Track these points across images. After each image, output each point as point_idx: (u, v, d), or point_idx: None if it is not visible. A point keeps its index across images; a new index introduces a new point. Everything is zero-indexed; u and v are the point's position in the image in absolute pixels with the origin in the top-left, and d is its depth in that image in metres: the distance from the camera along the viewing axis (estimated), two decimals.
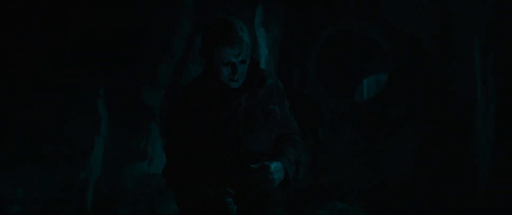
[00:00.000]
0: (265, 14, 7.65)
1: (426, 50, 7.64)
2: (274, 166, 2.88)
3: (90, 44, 6.98)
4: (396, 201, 7.37)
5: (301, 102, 7.71)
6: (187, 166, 2.94)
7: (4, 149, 6.74)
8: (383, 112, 7.75)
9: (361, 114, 7.83)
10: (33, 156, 6.79)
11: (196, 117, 2.92)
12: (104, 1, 7.07)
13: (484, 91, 7.21)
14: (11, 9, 6.81)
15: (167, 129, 3.10)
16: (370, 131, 7.74)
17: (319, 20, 7.89)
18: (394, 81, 7.79)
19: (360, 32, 8.00)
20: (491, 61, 7.20)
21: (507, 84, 7.14)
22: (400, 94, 7.72)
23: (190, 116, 2.93)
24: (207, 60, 2.92)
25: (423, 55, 7.65)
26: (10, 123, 6.81)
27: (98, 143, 7.01)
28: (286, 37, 7.87)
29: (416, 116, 7.61)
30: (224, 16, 2.98)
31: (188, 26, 7.32)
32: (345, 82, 8.88)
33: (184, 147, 2.94)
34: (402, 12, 7.69)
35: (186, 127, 2.93)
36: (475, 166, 7.24)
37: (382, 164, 7.62)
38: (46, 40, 6.87)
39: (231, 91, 2.92)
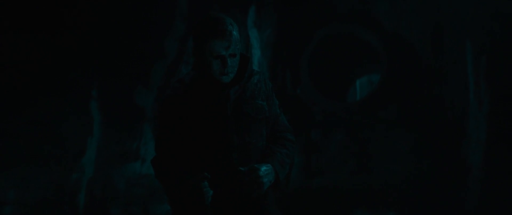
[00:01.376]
0: (257, 14, 7.66)
1: (418, 52, 7.65)
2: (264, 169, 2.88)
3: (83, 45, 6.97)
4: (388, 202, 7.37)
5: (293, 104, 7.72)
6: (175, 159, 2.95)
7: None
8: (375, 113, 7.76)
9: (353, 116, 7.83)
10: (25, 157, 6.77)
11: (185, 112, 2.93)
12: (97, 2, 7.06)
13: (476, 94, 7.23)
14: (4, 11, 6.80)
15: (157, 125, 3.12)
16: (362, 132, 7.74)
17: (311, 22, 7.90)
18: (386, 84, 7.81)
19: (352, 34, 8.01)
20: (483, 64, 7.22)
21: (499, 87, 7.16)
22: (392, 97, 7.73)
23: (180, 111, 2.94)
24: (197, 56, 2.94)
25: (415, 58, 7.66)
26: (2, 124, 6.79)
27: (91, 144, 7.00)
28: (278, 38, 7.88)
29: (408, 118, 7.62)
30: (213, 12, 3.02)
31: (181, 28, 7.33)
32: (338, 84, 8.90)
33: (173, 142, 2.96)
34: (394, 15, 7.71)
35: (175, 122, 2.95)
36: (467, 167, 7.26)
37: (374, 165, 7.63)
38: (40, 41, 6.86)
39: (220, 86, 2.94)
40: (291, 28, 7.89)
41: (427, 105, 7.55)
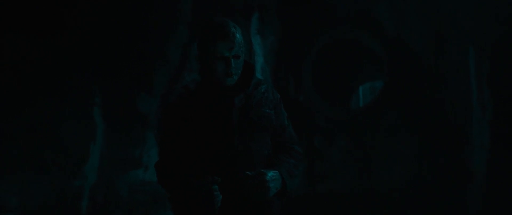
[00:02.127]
0: (260, 22, 7.65)
1: (420, 56, 7.64)
2: (271, 174, 2.87)
3: (86, 50, 6.96)
4: (391, 208, 7.36)
5: (296, 110, 7.71)
6: (179, 163, 2.94)
7: None
8: (378, 119, 7.75)
9: (356, 121, 7.82)
10: (28, 163, 6.75)
11: (190, 117, 2.93)
12: (100, 7, 7.04)
13: (480, 99, 7.23)
14: (5, 13, 6.78)
15: (161, 129, 3.12)
16: (365, 137, 7.74)
17: (314, 28, 7.89)
18: (389, 89, 7.80)
19: (355, 40, 8.00)
20: (486, 68, 7.22)
21: (502, 92, 7.16)
22: (394, 102, 7.73)
23: (184, 116, 2.94)
24: (201, 60, 2.95)
25: (416, 61, 7.65)
26: (3, 129, 6.77)
27: (94, 150, 6.98)
28: (281, 45, 7.87)
29: (411, 123, 7.61)
30: (217, 17, 3.07)
31: (185, 34, 7.31)
32: (341, 90, 8.88)
33: (177, 146, 2.95)
34: (395, 18, 7.70)
35: (180, 126, 2.95)
36: (470, 172, 7.25)
37: (377, 170, 7.62)
38: (40, 42, 6.84)
39: (225, 92, 2.94)
40: (294, 34, 7.87)
41: (429, 110, 7.54)
